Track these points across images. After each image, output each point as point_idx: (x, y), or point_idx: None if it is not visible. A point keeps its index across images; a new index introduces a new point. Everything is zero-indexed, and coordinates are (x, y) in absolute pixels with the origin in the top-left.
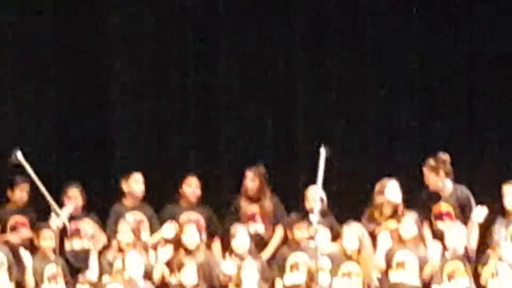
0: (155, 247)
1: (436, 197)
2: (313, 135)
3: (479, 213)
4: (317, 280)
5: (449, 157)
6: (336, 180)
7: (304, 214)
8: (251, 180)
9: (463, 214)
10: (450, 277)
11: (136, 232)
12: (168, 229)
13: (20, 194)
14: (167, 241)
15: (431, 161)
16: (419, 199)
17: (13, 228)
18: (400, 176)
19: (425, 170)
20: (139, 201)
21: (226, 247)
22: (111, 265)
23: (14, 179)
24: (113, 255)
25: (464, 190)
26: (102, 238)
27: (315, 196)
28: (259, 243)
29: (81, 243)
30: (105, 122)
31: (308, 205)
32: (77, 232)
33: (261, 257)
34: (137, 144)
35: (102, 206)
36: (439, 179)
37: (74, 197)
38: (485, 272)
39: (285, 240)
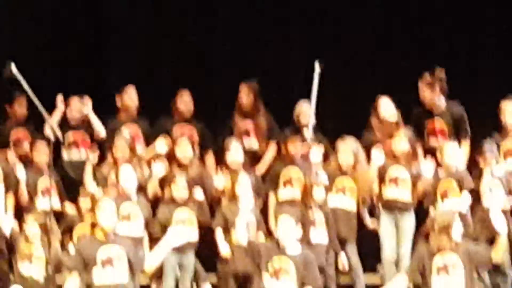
0: (149, 162)
1: (429, 114)
2: (308, 52)
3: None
4: (311, 195)
5: (445, 74)
6: (331, 97)
7: (298, 130)
8: (245, 95)
9: (457, 132)
10: (443, 196)
11: (132, 146)
12: (161, 144)
13: (19, 108)
14: (160, 155)
15: (427, 77)
16: (413, 116)
17: (16, 143)
18: (396, 93)
19: (421, 86)
20: (134, 115)
21: (219, 162)
22: (105, 179)
23: (12, 94)
24: (108, 169)
25: (458, 107)
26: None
27: (310, 111)
28: (253, 158)
29: (79, 154)
30: (100, 38)
31: (303, 120)
32: (75, 143)
33: (255, 172)
34: (132, 58)
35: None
36: (435, 95)
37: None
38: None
39: (278, 156)
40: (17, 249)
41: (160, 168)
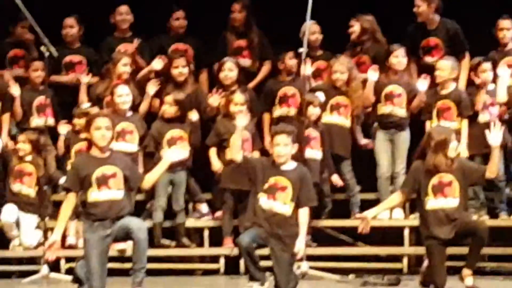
0: (145, 80)
1: (424, 31)
2: None
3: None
4: (306, 112)
5: None
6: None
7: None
8: (238, 12)
9: (454, 48)
10: (439, 117)
11: (129, 62)
12: (157, 61)
13: (21, 30)
14: (156, 73)
15: None
16: (407, 32)
17: (12, 61)
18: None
19: (417, 1)
20: (128, 33)
21: (213, 81)
22: (100, 98)
23: (18, 16)
24: (101, 88)
25: (453, 24)
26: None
27: (304, 28)
28: (246, 76)
29: (74, 76)
30: None
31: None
32: (71, 65)
33: (249, 88)
34: None
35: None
36: (430, 11)
37: (71, 25)
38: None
39: (272, 74)
40: (9, 167)
41: (154, 86)
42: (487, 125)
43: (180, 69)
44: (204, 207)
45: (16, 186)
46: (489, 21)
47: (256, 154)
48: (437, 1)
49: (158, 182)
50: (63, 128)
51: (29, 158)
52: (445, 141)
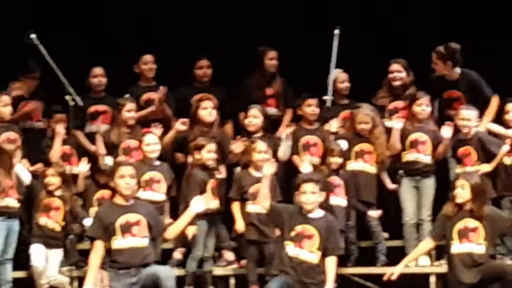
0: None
1: (445, 83)
2: (327, 17)
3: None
4: (329, 161)
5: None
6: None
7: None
8: (275, 59)
9: (476, 97)
10: (460, 162)
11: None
12: (180, 124)
13: (31, 82)
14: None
15: (441, 49)
16: (429, 82)
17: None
18: (412, 57)
19: (434, 58)
20: (153, 82)
21: (238, 131)
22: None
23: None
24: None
25: (473, 74)
26: None
27: (329, 76)
28: (271, 124)
29: (100, 127)
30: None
31: (341, 85)
32: (96, 114)
33: (274, 136)
34: (149, 25)
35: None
36: (446, 69)
37: (100, 75)
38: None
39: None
40: (37, 200)
41: (181, 126)
42: None
43: (209, 110)
44: (230, 255)
45: (42, 220)
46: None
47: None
48: (455, 58)
49: (199, 231)
50: (83, 166)
51: (58, 192)
52: (478, 187)
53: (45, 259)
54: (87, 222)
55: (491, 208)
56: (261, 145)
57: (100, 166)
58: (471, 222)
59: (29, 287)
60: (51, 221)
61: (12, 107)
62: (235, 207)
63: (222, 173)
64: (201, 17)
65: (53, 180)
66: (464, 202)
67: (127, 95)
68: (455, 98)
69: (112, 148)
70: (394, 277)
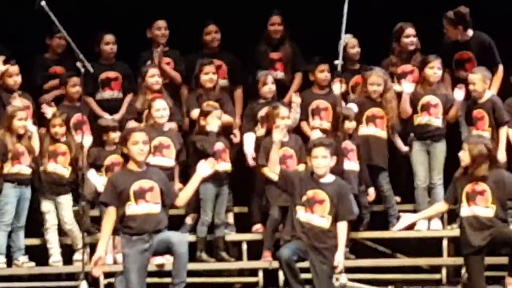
0: None
1: (458, 44)
2: None
3: None
4: (342, 125)
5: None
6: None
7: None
8: (278, 25)
9: (487, 60)
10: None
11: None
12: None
13: (59, 41)
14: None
15: (451, 14)
16: (441, 45)
17: (51, 78)
18: (421, 22)
19: (445, 23)
20: (166, 48)
21: (249, 95)
22: (140, 112)
23: (52, 28)
24: (141, 102)
25: (485, 37)
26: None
27: (340, 41)
28: (279, 89)
29: (112, 93)
30: None
31: (352, 51)
32: (107, 81)
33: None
34: None
35: (131, 55)
36: (457, 33)
37: (112, 42)
38: None
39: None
40: (42, 149)
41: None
42: None
43: (211, 76)
44: (230, 217)
45: (50, 166)
46: None
47: (302, 167)
48: (466, 22)
49: (206, 195)
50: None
51: (63, 139)
52: (481, 154)
53: (55, 208)
54: (90, 173)
55: (501, 172)
56: (284, 111)
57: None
58: (478, 185)
59: (42, 253)
60: (60, 166)
61: None
62: (267, 171)
63: (237, 137)
64: None
65: (60, 129)
66: (466, 165)
67: (149, 62)
68: (467, 58)
69: (138, 115)
70: (402, 226)
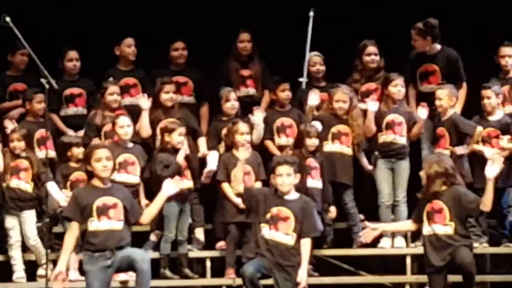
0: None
1: (424, 58)
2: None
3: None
4: (307, 143)
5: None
6: (324, 43)
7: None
8: (247, 42)
9: (451, 76)
10: (435, 144)
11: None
12: (144, 101)
13: (21, 58)
14: None
15: (420, 25)
16: (409, 60)
17: (12, 95)
18: (387, 40)
19: (413, 34)
20: (132, 65)
21: (215, 111)
22: (98, 129)
23: (15, 45)
24: (100, 118)
25: (453, 52)
26: None
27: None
28: (253, 104)
29: (76, 109)
30: None
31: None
32: (71, 98)
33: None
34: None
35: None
36: (426, 44)
37: (75, 58)
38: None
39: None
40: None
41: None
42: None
43: (171, 95)
44: (201, 234)
45: (13, 182)
46: (489, 48)
47: (258, 185)
48: (434, 33)
49: (170, 213)
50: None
51: (24, 154)
52: (438, 172)
53: (19, 224)
54: (50, 186)
55: (457, 188)
56: (243, 127)
57: None
58: (436, 204)
59: (5, 269)
60: (23, 181)
61: None
62: (226, 188)
63: (186, 149)
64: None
65: (18, 144)
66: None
67: (111, 79)
68: (431, 71)
69: (96, 132)
70: (367, 240)
